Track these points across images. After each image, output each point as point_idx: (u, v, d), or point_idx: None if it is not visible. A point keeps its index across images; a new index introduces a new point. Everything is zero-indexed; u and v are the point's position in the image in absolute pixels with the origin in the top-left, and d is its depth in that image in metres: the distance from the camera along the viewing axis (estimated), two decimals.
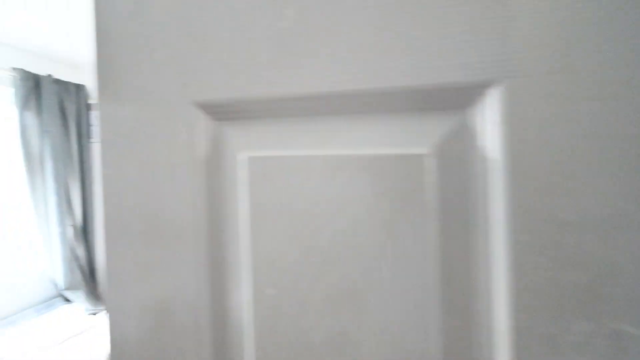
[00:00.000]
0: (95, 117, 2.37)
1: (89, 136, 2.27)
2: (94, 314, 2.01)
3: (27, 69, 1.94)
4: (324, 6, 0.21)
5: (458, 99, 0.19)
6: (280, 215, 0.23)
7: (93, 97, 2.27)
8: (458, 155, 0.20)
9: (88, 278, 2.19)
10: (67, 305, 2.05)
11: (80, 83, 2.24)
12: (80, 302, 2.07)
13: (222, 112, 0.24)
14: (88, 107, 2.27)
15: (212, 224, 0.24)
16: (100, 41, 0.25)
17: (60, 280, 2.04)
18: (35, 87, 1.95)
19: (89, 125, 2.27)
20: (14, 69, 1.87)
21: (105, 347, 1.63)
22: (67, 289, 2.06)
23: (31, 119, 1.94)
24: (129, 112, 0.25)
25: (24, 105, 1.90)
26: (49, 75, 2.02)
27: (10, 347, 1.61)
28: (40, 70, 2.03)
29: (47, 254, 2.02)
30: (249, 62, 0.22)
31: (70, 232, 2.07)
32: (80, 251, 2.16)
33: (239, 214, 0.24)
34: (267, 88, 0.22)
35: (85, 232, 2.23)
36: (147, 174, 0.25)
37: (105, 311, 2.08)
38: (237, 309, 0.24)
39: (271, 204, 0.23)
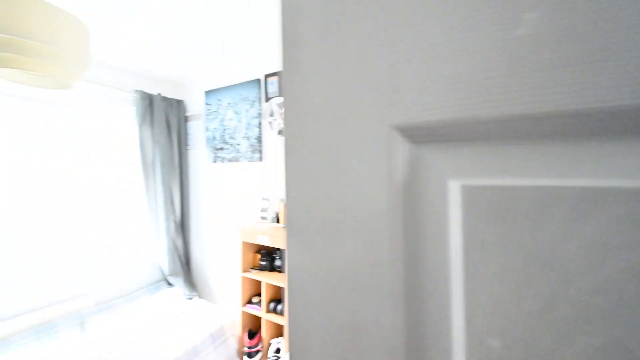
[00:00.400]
0: (190, 127, 2.76)
1: (186, 144, 2.63)
2: (190, 298, 2.32)
3: (144, 90, 2.35)
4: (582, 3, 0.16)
5: None
6: (508, 255, 0.19)
7: (189, 110, 2.63)
8: None
9: (185, 267, 2.53)
10: (170, 289, 2.41)
11: (180, 99, 2.61)
12: (179, 286, 2.41)
13: (424, 135, 0.21)
14: (186, 119, 2.63)
15: (410, 251, 0.22)
16: (288, 58, 0.25)
17: (165, 267, 2.41)
18: (149, 105, 2.34)
19: (186, 134, 2.63)
20: (136, 91, 2.29)
21: (201, 329, 1.85)
22: (170, 274, 2.42)
23: (146, 131, 2.33)
24: (319, 132, 0.24)
25: (141, 120, 2.30)
26: (159, 94, 2.40)
27: (130, 319, 1.96)
28: (152, 90, 2.44)
29: (155, 245, 2.40)
30: (468, 78, 0.19)
31: (172, 227, 2.43)
32: (179, 243, 2.51)
33: (448, 247, 0.21)
34: (491, 107, 0.19)
35: (182, 227, 2.59)
36: (337, 193, 0.24)
37: (197, 297, 2.38)
38: (444, 353, 0.22)
39: (494, 240, 0.20)
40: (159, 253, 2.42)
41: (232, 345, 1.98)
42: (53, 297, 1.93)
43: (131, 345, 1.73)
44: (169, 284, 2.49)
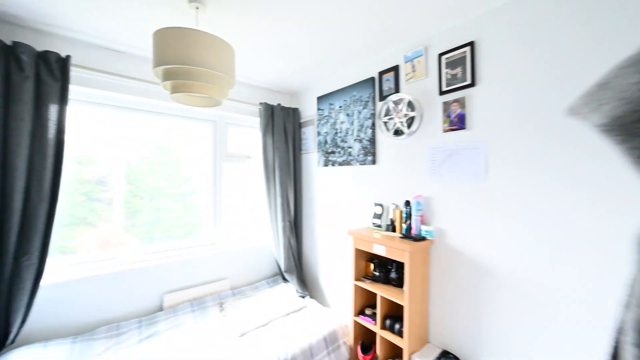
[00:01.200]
0: (304, 133, 2.94)
1: (300, 149, 2.80)
2: (302, 297, 2.43)
3: (267, 102, 2.62)
4: None
5: None
6: None
7: (303, 117, 2.79)
8: None
9: (297, 265, 2.69)
10: (285, 284, 2.59)
11: (296, 107, 2.79)
12: (293, 283, 2.57)
13: None
14: (300, 125, 2.80)
15: None
16: None
17: (282, 263, 2.61)
18: (271, 115, 2.60)
19: (300, 140, 2.80)
20: (260, 103, 2.57)
21: (315, 329, 1.88)
22: (285, 271, 2.61)
23: (268, 138, 2.59)
24: None
25: (265, 129, 2.57)
26: (279, 104, 2.63)
27: (256, 307, 2.18)
28: (273, 101, 2.70)
29: (274, 242, 2.64)
30: None
31: (287, 226, 2.62)
32: (293, 242, 2.69)
33: None
34: None
35: (295, 227, 2.76)
36: None
37: (308, 296, 2.47)
38: None
39: None
40: (276, 250, 2.65)
41: (344, 354, 1.93)
42: (204, 278, 2.36)
43: (257, 331, 1.91)
44: (284, 279, 2.69)
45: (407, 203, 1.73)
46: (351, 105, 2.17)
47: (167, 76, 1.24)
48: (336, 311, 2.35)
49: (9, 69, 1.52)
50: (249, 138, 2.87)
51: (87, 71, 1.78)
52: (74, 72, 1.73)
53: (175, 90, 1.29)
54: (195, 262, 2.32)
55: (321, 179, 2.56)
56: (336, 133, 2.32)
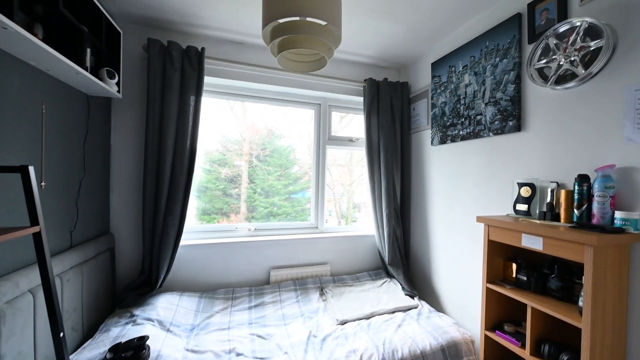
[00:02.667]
0: (414, 109, 2.58)
1: (408, 128, 2.47)
2: (411, 296, 2.08)
3: (374, 77, 2.41)
4: None
5: None
6: None
7: (413, 92, 2.44)
8: None
9: (404, 259, 2.35)
10: (390, 280, 2.30)
11: (405, 81, 2.48)
12: (399, 280, 2.25)
13: None
14: (409, 101, 2.47)
15: None
16: None
17: (386, 255, 2.33)
18: (377, 92, 2.37)
19: (409, 118, 2.47)
20: (365, 80, 2.39)
21: (429, 336, 1.53)
22: (390, 264, 2.31)
23: (373, 118, 2.38)
24: None
25: (369, 108, 2.37)
26: (385, 79, 2.38)
27: (356, 297, 1.99)
28: (378, 77, 2.47)
29: (377, 231, 2.39)
30: None
31: (392, 214, 2.32)
32: (399, 233, 2.37)
33: None
34: None
35: (402, 217, 2.43)
36: None
37: (417, 297, 2.10)
38: None
39: None
40: (379, 240, 2.39)
41: None
42: (306, 260, 2.36)
43: (359, 322, 1.71)
44: (388, 274, 2.40)
45: (584, 179, 1.16)
46: (482, 61, 1.70)
47: (275, 34, 1.20)
48: (457, 320, 1.88)
49: (164, 63, 1.87)
50: (353, 121, 2.74)
51: (215, 62, 2.03)
52: (206, 64, 2.00)
53: (282, 48, 1.25)
54: (299, 244, 2.33)
55: (436, 160, 2.15)
56: (458, 100, 1.88)
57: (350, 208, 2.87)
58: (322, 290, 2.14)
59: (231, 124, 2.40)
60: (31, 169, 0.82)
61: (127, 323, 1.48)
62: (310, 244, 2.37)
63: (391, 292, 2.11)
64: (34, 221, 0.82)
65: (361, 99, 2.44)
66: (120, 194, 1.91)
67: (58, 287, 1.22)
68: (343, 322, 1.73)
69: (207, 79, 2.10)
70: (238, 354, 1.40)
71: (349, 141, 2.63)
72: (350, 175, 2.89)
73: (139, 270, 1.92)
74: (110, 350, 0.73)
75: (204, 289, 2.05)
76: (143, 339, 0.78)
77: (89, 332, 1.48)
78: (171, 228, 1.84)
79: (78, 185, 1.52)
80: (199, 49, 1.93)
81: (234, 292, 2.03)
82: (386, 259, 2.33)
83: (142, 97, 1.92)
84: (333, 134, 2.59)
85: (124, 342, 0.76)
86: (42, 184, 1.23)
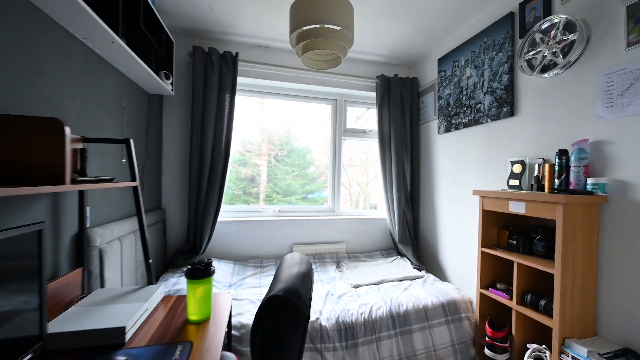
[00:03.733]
0: (422, 102, 2.80)
1: (418, 119, 2.69)
2: (418, 269, 2.30)
3: (385, 74, 2.66)
4: None
5: None
6: None
7: (422, 86, 2.66)
8: None
9: (413, 238, 2.57)
10: (400, 257, 2.53)
11: (414, 77, 2.70)
12: (409, 256, 2.48)
13: None
14: (418, 95, 2.69)
15: None
16: None
17: (396, 235, 2.57)
18: (388, 87, 2.62)
19: (418, 110, 2.69)
20: (377, 76, 2.64)
21: (432, 295, 1.75)
22: (400, 242, 2.54)
23: (384, 111, 2.62)
24: None
25: (381, 102, 2.62)
26: (396, 75, 2.62)
27: (368, 268, 2.24)
28: (389, 73, 2.71)
29: (388, 214, 2.63)
30: None
31: (402, 198, 2.55)
32: (409, 215, 2.59)
33: None
34: None
35: (412, 201, 2.66)
36: None
37: (424, 269, 2.32)
38: None
39: None
40: (390, 222, 2.63)
41: (467, 329, 1.70)
42: (324, 239, 2.64)
43: (370, 286, 1.96)
44: (399, 253, 2.63)
45: (563, 152, 1.36)
46: (481, 55, 1.91)
47: (300, 39, 1.50)
48: (458, 286, 2.09)
49: (205, 66, 2.22)
50: (366, 114, 2.99)
51: (246, 64, 2.36)
52: (239, 66, 2.34)
53: (305, 50, 1.54)
54: (318, 224, 2.62)
55: (442, 147, 2.36)
56: (461, 92, 2.09)
57: (367, 208, 3.08)
58: (338, 264, 2.41)
59: (252, 125, 2.71)
60: (132, 141, 1.17)
61: (180, 276, 1.84)
62: (327, 224, 2.64)
63: (401, 266, 2.34)
64: (133, 178, 1.17)
65: (374, 94, 2.69)
66: (170, 176, 2.29)
67: (131, 241, 1.58)
68: (356, 286, 1.99)
69: (239, 79, 2.44)
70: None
71: (363, 132, 2.88)
72: (366, 176, 3.11)
73: (184, 239, 2.29)
74: (186, 270, 1.03)
75: (237, 259, 2.39)
76: (210, 261, 1.09)
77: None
78: (211, 205, 2.19)
79: (142, 165, 1.90)
80: (234, 53, 2.27)
81: (262, 262, 2.35)
82: (396, 238, 2.56)
83: (188, 95, 2.29)
84: (348, 126, 2.86)
85: (196, 262, 1.07)
86: (123, 160, 1.60)
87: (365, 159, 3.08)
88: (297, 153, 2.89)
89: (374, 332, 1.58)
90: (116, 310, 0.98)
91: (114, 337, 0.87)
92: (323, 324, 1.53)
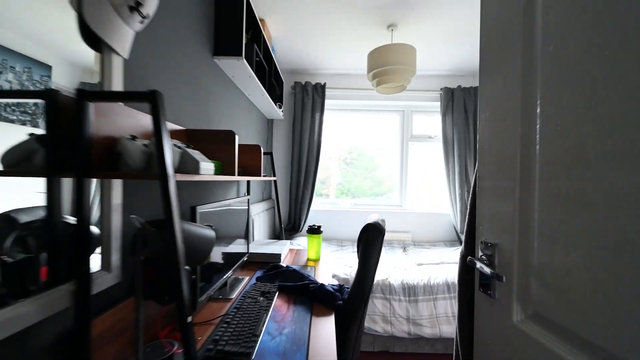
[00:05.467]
0: None
1: None
2: None
3: (447, 86, 3.03)
4: None
5: None
6: None
7: None
8: None
9: None
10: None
11: (477, 85, 2.99)
12: None
13: None
14: None
15: None
16: None
17: (458, 228, 2.90)
18: (451, 97, 2.99)
19: None
20: (441, 88, 3.03)
21: None
22: (462, 234, 2.87)
23: (447, 118, 2.99)
24: None
25: (444, 111, 3.00)
26: (459, 86, 2.97)
27: (431, 254, 2.66)
28: (453, 84, 3.06)
29: (452, 209, 2.98)
30: None
31: (465, 194, 2.87)
32: None
33: None
34: None
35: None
36: None
37: None
38: None
39: None
40: (454, 217, 2.97)
41: None
42: (393, 228, 3.16)
43: (431, 265, 2.41)
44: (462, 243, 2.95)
45: None
46: None
47: (375, 76, 2.11)
48: None
49: (303, 95, 3.03)
50: (431, 120, 3.38)
51: (332, 90, 3.09)
52: (326, 91, 3.09)
53: (379, 83, 2.14)
54: (388, 215, 3.15)
55: None
56: None
57: (430, 204, 3.46)
58: (404, 249, 2.90)
59: (328, 133, 3.42)
60: (273, 152, 1.97)
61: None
62: (395, 216, 3.15)
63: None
64: (274, 174, 1.97)
65: (438, 103, 3.08)
66: (278, 177, 3.18)
67: (263, 215, 2.44)
68: (419, 264, 2.46)
69: (327, 101, 3.19)
70: (350, 266, 2.35)
71: (428, 138, 3.29)
72: (428, 175, 3.47)
73: (286, 221, 3.14)
74: (308, 228, 1.76)
75: (323, 239, 3.13)
76: (320, 226, 1.80)
77: None
78: (306, 197, 2.98)
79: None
80: (322, 84, 3.02)
81: (342, 242, 3.02)
82: (459, 231, 2.89)
83: (289, 117, 3.14)
84: (414, 133, 3.31)
85: (312, 225, 1.80)
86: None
87: (426, 160, 3.47)
88: (365, 156, 3.47)
89: (431, 294, 2.05)
90: (273, 247, 1.77)
91: (276, 259, 1.64)
92: (391, 282, 2.09)
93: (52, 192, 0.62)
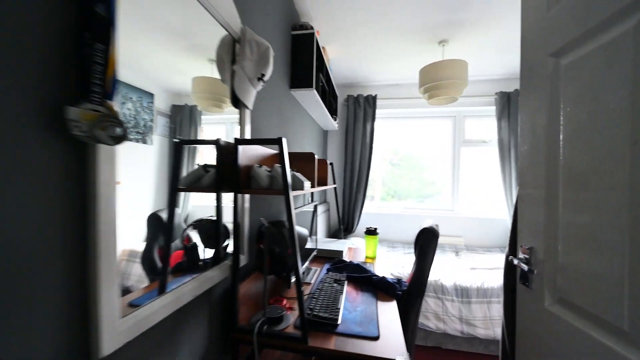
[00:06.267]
0: None
1: None
2: None
3: (503, 90, 3.01)
4: None
5: None
6: None
7: None
8: None
9: None
10: None
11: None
12: None
13: None
14: None
15: None
16: None
17: None
18: (507, 101, 2.95)
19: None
20: (496, 93, 3.01)
21: None
22: None
23: (504, 122, 2.96)
24: None
25: (500, 115, 2.98)
26: (516, 90, 2.93)
27: (483, 260, 2.68)
28: (509, 88, 3.02)
29: (508, 214, 2.93)
30: None
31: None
32: None
33: None
34: None
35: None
36: None
37: None
38: None
39: None
40: (510, 221, 2.92)
41: None
42: (446, 232, 3.23)
43: (485, 270, 2.45)
44: None
45: None
46: None
47: (426, 90, 2.27)
48: None
49: (355, 107, 3.30)
50: (485, 125, 3.36)
51: (382, 100, 3.30)
52: (377, 102, 3.30)
53: (431, 97, 2.29)
54: (439, 220, 3.23)
55: None
56: None
57: (484, 209, 3.42)
58: (457, 253, 2.96)
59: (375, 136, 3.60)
60: (333, 163, 2.27)
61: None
62: (447, 221, 3.21)
63: None
64: (334, 182, 2.26)
65: (492, 107, 3.07)
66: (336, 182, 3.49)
67: (320, 218, 2.76)
68: (473, 268, 2.53)
69: (378, 111, 3.41)
70: (402, 266, 2.53)
71: (482, 142, 3.27)
72: (481, 180, 3.43)
73: (339, 222, 3.42)
74: (366, 230, 2.03)
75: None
76: (376, 228, 2.03)
77: None
78: (359, 200, 3.23)
79: None
80: (373, 95, 3.24)
81: (393, 244, 3.20)
82: None
83: (342, 127, 3.43)
84: (466, 137, 3.32)
85: (369, 227, 2.04)
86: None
87: (480, 165, 3.42)
88: (411, 156, 3.56)
89: (485, 296, 2.13)
90: (335, 245, 2.06)
91: (338, 255, 1.92)
92: (443, 283, 2.22)
93: (219, 202, 0.98)
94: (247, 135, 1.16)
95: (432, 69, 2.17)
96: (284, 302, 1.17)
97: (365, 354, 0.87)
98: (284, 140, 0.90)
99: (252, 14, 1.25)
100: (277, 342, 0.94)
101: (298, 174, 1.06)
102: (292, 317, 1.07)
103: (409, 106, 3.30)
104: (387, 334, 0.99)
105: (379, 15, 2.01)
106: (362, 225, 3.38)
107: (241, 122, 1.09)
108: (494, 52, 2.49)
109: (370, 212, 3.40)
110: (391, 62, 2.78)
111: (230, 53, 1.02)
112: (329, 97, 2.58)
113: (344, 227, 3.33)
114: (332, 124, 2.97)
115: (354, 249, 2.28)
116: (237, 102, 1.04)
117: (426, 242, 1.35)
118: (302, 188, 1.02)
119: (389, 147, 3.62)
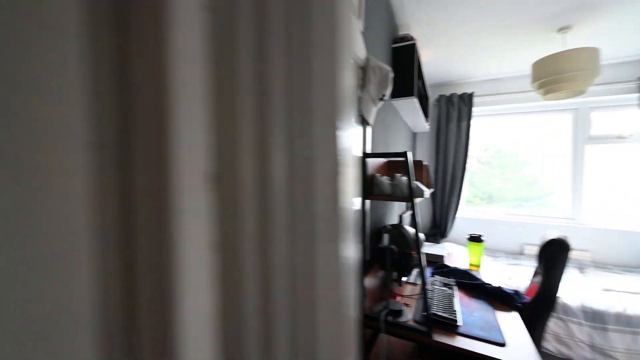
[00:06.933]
0: None
1: None
2: None
3: None
4: None
5: None
6: None
7: None
8: None
9: None
10: None
11: None
12: None
13: None
14: None
15: None
16: None
17: None
18: None
19: None
20: (638, 77, 2.44)
21: None
22: None
23: None
24: None
25: None
26: None
27: (615, 282, 2.21)
28: None
29: None
30: None
31: None
32: None
33: None
34: None
35: None
36: None
37: None
38: None
39: None
40: None
41: None
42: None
43: (624, 293, 2.03)
44: None
45: None
46: None
47: (541, 85, 2.04)
48: None
49: (447, 106, 3.16)
50: (620, 117, 2.75)
51: (479, 97, 3.07)
52: (475, 99, 3.09)
53: (547, 92, 2.05)
54: (553, 230, 2.80)
55: None
56: None
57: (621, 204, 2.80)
58: (581, 270, 2.52)
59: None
60: (429, 164, 2.27)
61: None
62: (566, 230, 2.76)
63: None
64: (429, 187, 2.25)
65: (633, 95, 2.49)
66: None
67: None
68: (606, 290, 2.13)
69: (476, 108, 3.18)
70: (509, 278, 2.32)
71: (618, 138, 2.69)
72: (619, 184, 2.80)
73: (430, 225, 3.33)
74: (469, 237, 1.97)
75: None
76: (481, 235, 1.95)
77: None
78: (452, 204, 3.09)
79: None
80: (469, 93, 3.05)
81: (495, 253, 2.93)
82: None
83: (433, 128, 3.33)
84: (592, 133, 2.78)
85: (472, 234, 1.97)
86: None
87: (613, 165, 2.80)
88: (505, 154, 3.14)
89: (629, 326, 1.79)
90: (433, 249, 2.06)
91: (439, 259, 1.92)
92: (566, 302, 1.95)
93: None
94: (367, 148, 1.32)
95: (550, 61, 1.94)
96: (398, 298, 1.28)
97: (497, 357, 0.90)
98: (409, 154, 1.02)
99: (366, 38, 1.41)
100: (402, 332, 1.06)
101: (418, 183, 1.16)
102: (409, 312, 1.17)
103: (513, 101, 2.98)
104: (514, 342, 1.00)
105: (483, 11, 1.91)
106: (456, 231, 3.21)
107: (364, 137, 1.26)
108: (634, 29, 2.04)
109: (466, 217, 3.20)
110: (492, 58, 2.58)
111: (355, 79, 1.19)
112: (422, 100, 2.57)
113: (434, 231, 3.23)
114: (423, 126, 2.93)
115: (451, 254, 2.22)
116: (362, 120, 1.21)
117: (554, 255, 1.26)
118: (422, 195, 1.11)
119: (478, 144, 3.33)
